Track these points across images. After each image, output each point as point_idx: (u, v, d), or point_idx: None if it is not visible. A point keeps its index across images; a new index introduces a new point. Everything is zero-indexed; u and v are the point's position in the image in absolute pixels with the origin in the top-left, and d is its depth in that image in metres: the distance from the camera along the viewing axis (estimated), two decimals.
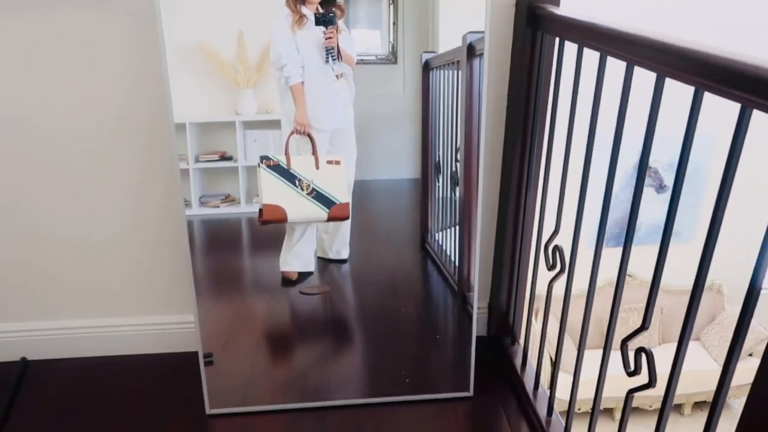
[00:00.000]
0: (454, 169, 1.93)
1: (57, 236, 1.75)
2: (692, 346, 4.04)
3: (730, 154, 0.84)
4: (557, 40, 1.36)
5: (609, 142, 1.18)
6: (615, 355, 1.20)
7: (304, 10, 1.64)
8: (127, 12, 1.51)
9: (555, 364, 1.56)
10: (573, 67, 1.29)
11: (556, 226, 1.44)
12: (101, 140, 1.65)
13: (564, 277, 1.41)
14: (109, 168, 1.68)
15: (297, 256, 1.88)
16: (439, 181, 2.07)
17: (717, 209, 0.89)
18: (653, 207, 3.68)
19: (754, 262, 0.82)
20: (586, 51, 1.24)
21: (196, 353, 1.63)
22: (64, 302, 1.84)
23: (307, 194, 1.74)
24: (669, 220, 1.01)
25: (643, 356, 1.10)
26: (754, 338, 3.70)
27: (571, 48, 1.30)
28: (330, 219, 1.77)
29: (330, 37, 1.64)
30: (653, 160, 3.64)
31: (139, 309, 1.87)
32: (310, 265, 1.91)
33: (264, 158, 1.72)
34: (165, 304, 1.87)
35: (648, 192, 3.72)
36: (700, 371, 3.77)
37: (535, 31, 1.42)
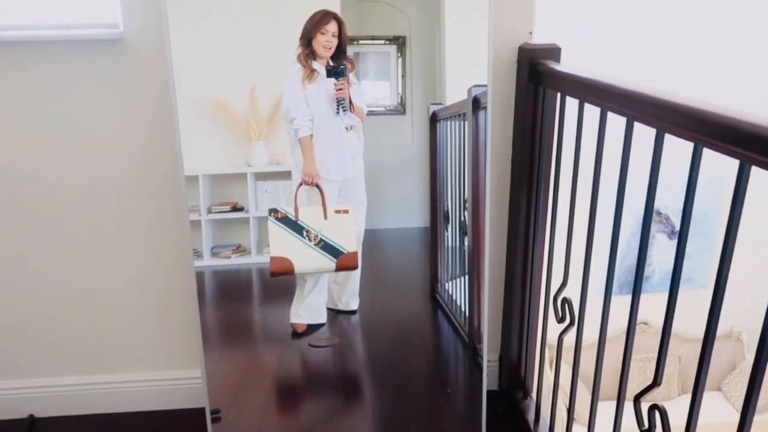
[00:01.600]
0: (462, 218, 1.94)
1: (66, 291, 1.77)
2: (713, 397, 3.90)
3: (732, 212, 0.84)
4: (559, 94, 1.38)
5: (615, 192, 1.18)
6: (631, 407, 1.17)
7: (315, 64, 1.69)
8: (143, 70, 1.57)
9: (569, 419, 1.52)
10: (576, 119, 1.30)
11: (564, 278, 1.43)
12: (113, 194, 1.68)
13: (574, 329, 1.40)
14: (120, 221, 1.71)
15: (308, 308, 1.88)
16: (448, 231, 2.08)
17: (723, 262, 0.88)
18: (666, 253, 3.63)
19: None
20: (588, 104, 1.26)
21: (203, 409, 1.61)
22: (72, 358, 1.83)
23: (315, 245, 1.74)
24: (676, 272, 1.00)
25: (657, 413, 1.07)
26: None
27: (573, 101, 1.33)
28: (338, 269, 1.77)
29: (341, 89, 1.68)
30: (664, 206, 3.62)
31: (146, 365, 1.86)
32: (322, 317, 1.90)
33: (272, 211, 1.74)
34: (173, 359, 1.85)
35: (660, 238, 3.69)
36: (723, 423, 3.63)
37: (537, 86, 1.45)
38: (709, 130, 0.86)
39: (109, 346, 1.83)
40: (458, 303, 1.99)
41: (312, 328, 1.90)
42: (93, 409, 1.86)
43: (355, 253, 1.77)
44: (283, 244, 1.73)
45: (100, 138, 1.63)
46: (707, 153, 0.92)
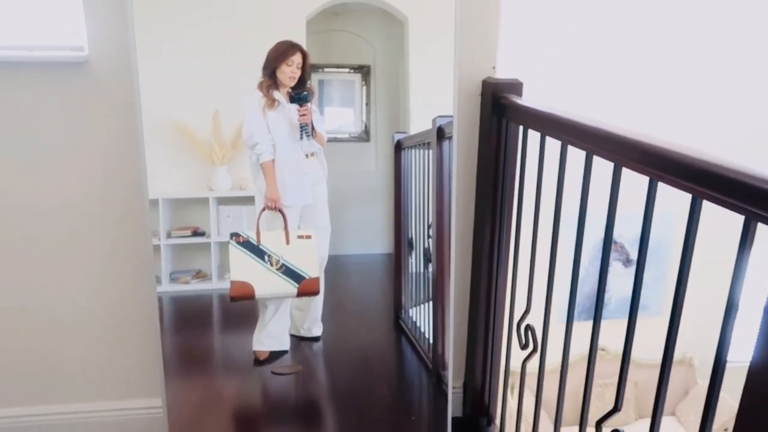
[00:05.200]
0: (426, 245, 1.96)
1: (20, 317, 1.70)
2: (668, 422, 4.00)
3: (686, 242, 0.88)
4: (521, 127, 1.43)
5: (576, 221, 1.22)
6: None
7: (276, 94, 1.70)
8: (107, 94, 1.54)
9: None
10: (538, 149, 1.35)
11: (527, 305, 1.46)
12: (71, 219, 1.63)
13: (537, 356, 1.42)
14: (79, 248, 1.66)
15: (270, 335, 1.86)
16: (412, 257, 2.10)
17: (678, 293, 0.92)
18: (621, 280, 3.74)
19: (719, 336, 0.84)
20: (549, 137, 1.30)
21: None
22: (25, 388, 1.75)
23: (277, 269, 1.73)
24: (634, 303, 1.04)
25: None
26: (728, 412, 3.69)
27: (535, 133, 1.37)
28: (300, 294, 1.76)
29: (304, 114, 1.70)
30: (619, 235, 3.74)
31: (104, 394, 1.79)
32: (285, 344, 1.88)
33: (234, 235, 1.72)
34: (132, 388, 1.79)
35: (616, 266, 3.80)
36: None
37: (500, 119, 1.49)
38: (663, 166, 0.90)
39: (65, 375, 1.76)
40: (422, 330, 2.00)
41: (275, 356, 1.87)
42: None
43: (317, 279, 1.77)
44: (244, 269, 1.72)
45: (59, 161, 1.59)
46: (658, 191, 0.97)
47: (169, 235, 1.83)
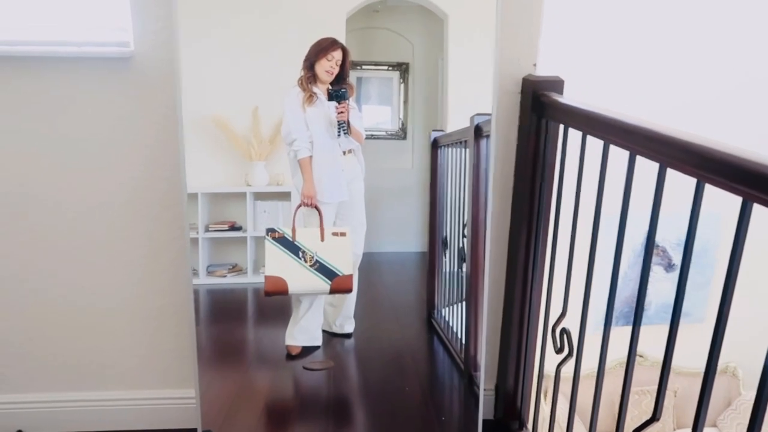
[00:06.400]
0: (461, 245, 1.94)
1: (61, 306, 1.75)
2: None
3: (734, 248, 0.84)
4: (561, 126, 1.39)
5: (615, 223, 1.18)
6: None
7: (315, 89, 1.71)
8: (150, 89, 1.58)
9: None
10: (578, 149, 1.32)
11: (563, 309, 1.43)
12: (111, 211, 1.67)
13: (572, 361, 1.39)
14: (117, 239, 1.70)
15: (303, 330, 1.87)
16: (446, 256, 2.08)
17: (724, 300, 0.88)
18: (662, 286, 3.62)
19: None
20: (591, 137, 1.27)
21: (195, 430, 1.58)
22: (63, 375, 1.81)
23: (310, 266, 1.74)
24: (676, 310, 1.00)
25: None
26: None
27: (575, 132, 1.34)
28: (332, 291, 1.77)
29: (342, 112, 1.70)
30: (661, 239, 3.62)
31: (138, 383, 1.83)
32: (317, 340, 1.89)
33: (270, 230, 1.74)
34: (166, 378, 1.83)
35: (657, 271, 3.68)
36: None
37: (540, 117, 1.46)
38: (712, 167, 0.86)
39: (102, 363, 1.81)
40: (454, 330, 1.98)
41: (307, 351, 1.88)
42: (83, 426, 1.83)
43: (350, 276, 1.77)
44: (278, 264, 1.73)
45: (102, 153, 1.63)
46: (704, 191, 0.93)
47: (206, 229, 1.86)
